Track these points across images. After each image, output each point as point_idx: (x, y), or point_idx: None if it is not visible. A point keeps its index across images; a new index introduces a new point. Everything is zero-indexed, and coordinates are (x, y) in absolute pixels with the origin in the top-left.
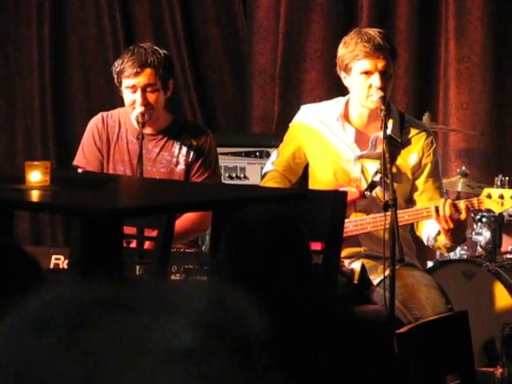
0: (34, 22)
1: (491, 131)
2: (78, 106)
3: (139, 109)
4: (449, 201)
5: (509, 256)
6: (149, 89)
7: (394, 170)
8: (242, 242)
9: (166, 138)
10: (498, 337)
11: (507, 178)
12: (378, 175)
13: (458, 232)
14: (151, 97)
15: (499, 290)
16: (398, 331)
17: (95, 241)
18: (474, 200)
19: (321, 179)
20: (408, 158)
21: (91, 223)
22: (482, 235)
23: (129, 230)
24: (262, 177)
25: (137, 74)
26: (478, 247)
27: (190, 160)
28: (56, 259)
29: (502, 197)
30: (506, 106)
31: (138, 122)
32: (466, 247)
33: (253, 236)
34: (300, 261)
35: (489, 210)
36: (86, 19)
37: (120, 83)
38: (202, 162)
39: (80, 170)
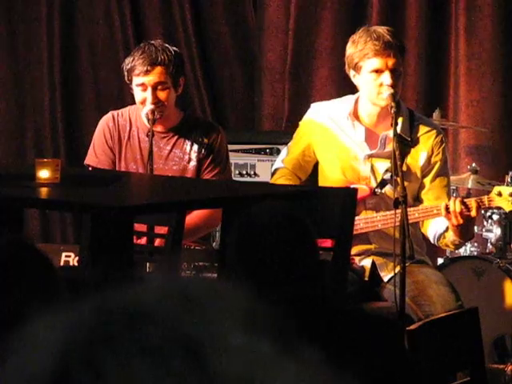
0: (44, 19)
1: (501, 128)
2: (88, 104)
3: (149, 106)
4: (459, 198)
5: None
6: (159, 87)
7: (404, 168)
8: (250, 240)
9: (177, 136)
10: (509, 334)
11: None
12: (389, 173)
13: (466, 229)
14: (162, 95)
15: (509, 286)
16: (408, 328)
17: (105, 238)
18: (485, 198)
19: (330, 177)
20: (418, 157)
21: (101, 220)
22: (493, 232)
23: (139, 227)
24: (272, 174)
25: (147, 72)
26: (489, 244)
27: (201, 156)
28: (66, 256)
29: None
30: None
31: (148, 120)
32: (476, 244)
33: (261, 234)
34: (307, 258)
35: (499, 208)
36: (95, 17)
37: (130, 81)
38: (213, 159)
39: (90, 169)
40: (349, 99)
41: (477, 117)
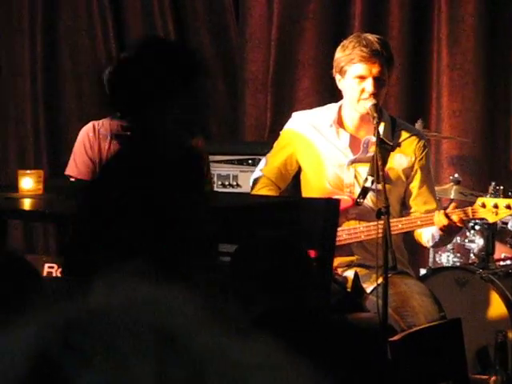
0: (27, 30)
1: (483, 138)
2: (71, 115)
3: None
4: (442, 212)
5: (502, 263)
6: None
7: (388, 172)
8: (248, 267)
9: None
10: (492, 344)
11: (501, 188)
12: (370, 180)
13: (454, 234)
14: None
15: (492, 297)
16: (391, 339)
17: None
18: (469, 209)
19: (314, 186)
20: (401, 161)
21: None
22: (475, 243)
23: None
24: (252, 184)
25: None
26: (471, 254)
27: None
28: (49, 267)
29: (496, 206)
30: (498, 113)
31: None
32: (458, 254)
33: (258, 262)
34: (303, 281)
35: (482, 219)
36: (78, 28)
37: None
38: None
39: (72, 180)
40: (331, 107)
41: (459, 127)
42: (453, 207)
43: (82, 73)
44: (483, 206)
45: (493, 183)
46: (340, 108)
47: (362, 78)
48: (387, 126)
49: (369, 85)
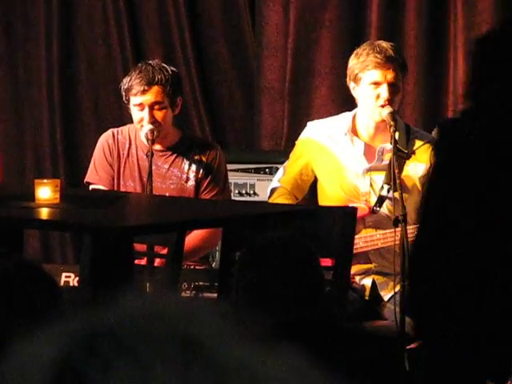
0: (43, 39)
1: None
2: (88, 124)
3: (147, 126)
4: None
5: None
6: (156, 106)
7: (404, 180)
8: (255, 269)
9: (175, 155)
10: None
11: None
12: (386, 188)
13: None
14: (158, 114)
15: None
16: (408, 347)
17: (105, 258)
18: None
19: (330, 195)
20: (416, 169)
21: (101, 241)
22: None
23: (139, 247)
24: (270, 194)
25: (144, 91)
26: None
27: (199, 176)
28: (66, 277)
29: None
30: None
31: (147, 139)
32: None
33: (266, 263)
34: (313, 284)
35: None
36: (94, 37)
37: (128, 100)
38: (212, 179)
39: (92, 187)
40: (346, 116)
41: None
42: None
43: (98, 82)
44: None
45: None
46: (354, 117)
47: (377, 84)
48: (402, 134)
49: (384, 91)
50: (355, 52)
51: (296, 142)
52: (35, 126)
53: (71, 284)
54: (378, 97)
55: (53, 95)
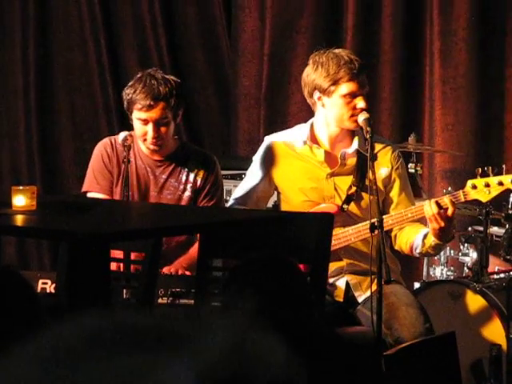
0: (19, 46)
1: (476, 152)
2: (64, 131)
3: (150, 141)
4: (433, 200)
5: (496, 276)
6: (160, 121)
7: (367, 182)
8: (250, 284)
9: (173, 165)
10: (486, 358)
11: (490, 168)
12: (353, 188)
13: (448, 229)
14: (163, 129)
15: (486, 310)
16: (385, 353)
17: (82, 265)
18: (460, 193)
19: (294, 202)
20: (378, 171)
21: (78, 247)
22: (469, 256)
23: (115, 253)
24: None
25: (150, 107)
26: (465, 268)
27: (197, 187)
28: (43, 283)
29: (488, 185)
30: (491, 126)
31: (123, 145)
32: (452, 268)
33: (260, 280)
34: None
35: (475, 200)
36: (70, 44)
37: (131, 112)
38: (209, 190)
39: (90, 195)
40: (302, 127)
41: (452, 141)
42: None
43: (74, 89)
44: (474, 187)
45: (480, 167)
46: (312, 126)
47: (352, 94)
48: (360, 138)
49: (361, 102)
50: (315, 64)
51: (253, 158)
52: (12, 133)
53: (48, 291)
54: (354, 108)
55: (29, 102)
